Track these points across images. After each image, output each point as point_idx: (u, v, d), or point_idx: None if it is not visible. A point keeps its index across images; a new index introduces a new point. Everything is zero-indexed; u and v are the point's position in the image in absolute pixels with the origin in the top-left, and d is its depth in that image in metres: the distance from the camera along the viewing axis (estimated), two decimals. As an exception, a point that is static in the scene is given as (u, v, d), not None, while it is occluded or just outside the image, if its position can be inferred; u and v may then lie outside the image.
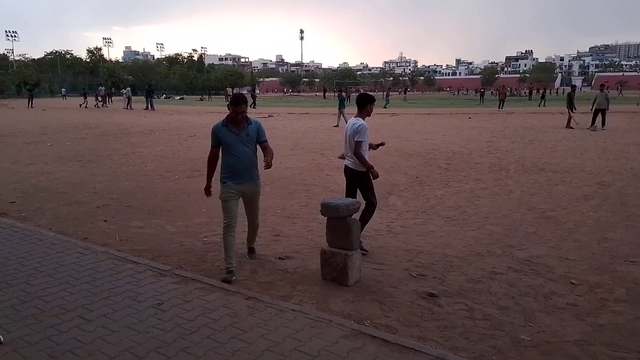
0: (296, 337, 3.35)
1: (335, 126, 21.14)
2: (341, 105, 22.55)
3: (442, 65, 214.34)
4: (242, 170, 4.63)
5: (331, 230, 4.53)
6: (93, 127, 21.55)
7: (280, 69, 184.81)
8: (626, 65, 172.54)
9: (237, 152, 4.59)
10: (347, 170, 5.44)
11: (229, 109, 4.58)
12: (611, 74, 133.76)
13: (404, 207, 7.39)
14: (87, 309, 3.83)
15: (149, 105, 36.02)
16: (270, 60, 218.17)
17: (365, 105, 5.28)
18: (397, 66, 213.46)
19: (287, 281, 4.51)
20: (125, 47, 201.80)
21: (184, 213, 7.01)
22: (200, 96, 67.82)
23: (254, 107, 37.37)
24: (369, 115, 5.39)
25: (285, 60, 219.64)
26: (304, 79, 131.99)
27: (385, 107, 36.96)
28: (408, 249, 5.46)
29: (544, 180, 9.25)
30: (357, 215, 4.83)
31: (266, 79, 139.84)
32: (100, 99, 42.71)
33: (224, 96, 59.01)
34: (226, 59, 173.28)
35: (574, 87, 23.92)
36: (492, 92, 68.80)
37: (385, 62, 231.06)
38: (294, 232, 6.12)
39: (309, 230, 6.18)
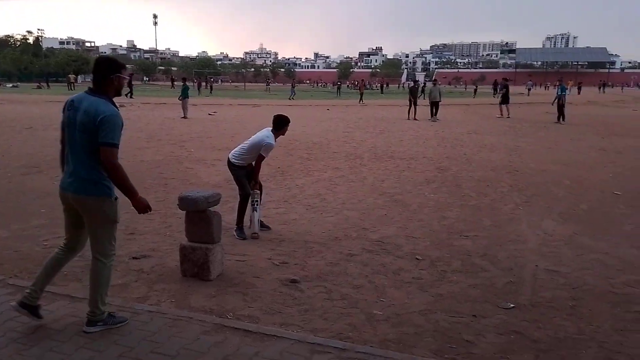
0: (153, 339, 3.18)
1: (183, 117, 20.22)
2: (184, 95, 21.12)
3: (301, 58, 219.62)
4: None
5: (191, 224, 4.37)
6: None
7: (132, 56, 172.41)
8: (460, 62, 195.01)
9: None
10: (229, 164, 5.71)
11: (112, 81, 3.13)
12: (448, 70, 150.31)
13: (267, 197, 7.41)
14: None
15: None
16: (121, 46, 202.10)
17: (284, 126, 5.64)
18: (258, 57, 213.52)
19: (142, 281, 4.26)
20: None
21: (19, 215, 6.19)
22: (38, 83, 60.27)
23: (131, 97, 34.16)
24: (284, 135, 5.79)
25: (138, 47, 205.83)
26: (160, 67, 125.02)
27: (292, 99, 38.07)
28: (271, 238, 5.52)
29: (393, 167, 10.04)
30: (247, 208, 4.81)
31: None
32: None
33: (66, 84, 53.15)
34: (68, 42, 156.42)
35: (416, 82, 26.41)
36: (347, 85, 72.81)
37: (246, 53, 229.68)
38: (150, 228, 5.78)
39: (167, 226, 5.90)
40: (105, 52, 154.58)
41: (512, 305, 3.93)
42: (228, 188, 7.19)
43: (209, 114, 22.58)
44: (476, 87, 53.81)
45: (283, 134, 5.74)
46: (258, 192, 5.73)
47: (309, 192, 7.77)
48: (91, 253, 3.29)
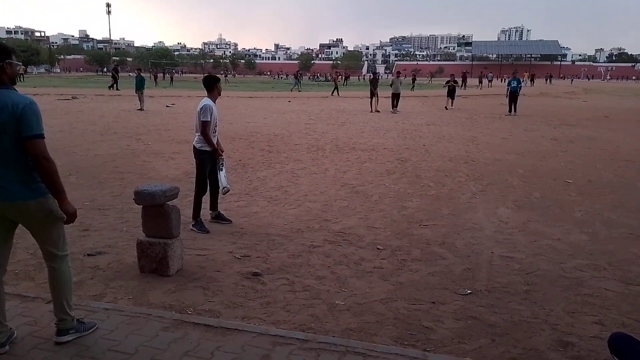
0: (110, 337, 3.09)
1: (139, 109, 19.69)
2: (139, 87, 20.52)
3: (262, 49, 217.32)
4: None
5: (148, 219, 4.26)
6: None
7: (85, 46, 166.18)
8: (419, 54, 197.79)
9: None
10: (194, 150, 5.57)
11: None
12: (408, 62, 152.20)
13: (227, 190, 7.35)
14: None
15: None
16: (73, 36, 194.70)
17: (214, 85, 5.48)
18: (217, 48, 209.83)
19: (98, 279, 4.13)
20: None
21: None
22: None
23: (117, 89, 32.48)
24: (220, 95, 5.66)
25: (91, 37, 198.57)
26: (114, 58, 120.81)
27: (299, 91, 37.68)
28: (232, 231, 5.46)
29: (354, 158, 10.11)
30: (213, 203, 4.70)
31: (68, 57, 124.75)
32: None
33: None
34: (16, 32, 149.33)
35: (375, 74, 26.61)
36: (309, 77, 72.80)
37: (205, 43, 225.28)
38: (106, 224, 5.61)
39: (124, 221, 5.74)
40: (56, 42, 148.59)
41: (469, 291, 4.04)
42: (187, 181, 7.06)
43: (167, 106, 22.06)
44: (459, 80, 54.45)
45: (219, 94, 5.60)
46: (222, 157, 5.61)
47: (271, 185, 7.72)
48: (47, 258, 3.02)
